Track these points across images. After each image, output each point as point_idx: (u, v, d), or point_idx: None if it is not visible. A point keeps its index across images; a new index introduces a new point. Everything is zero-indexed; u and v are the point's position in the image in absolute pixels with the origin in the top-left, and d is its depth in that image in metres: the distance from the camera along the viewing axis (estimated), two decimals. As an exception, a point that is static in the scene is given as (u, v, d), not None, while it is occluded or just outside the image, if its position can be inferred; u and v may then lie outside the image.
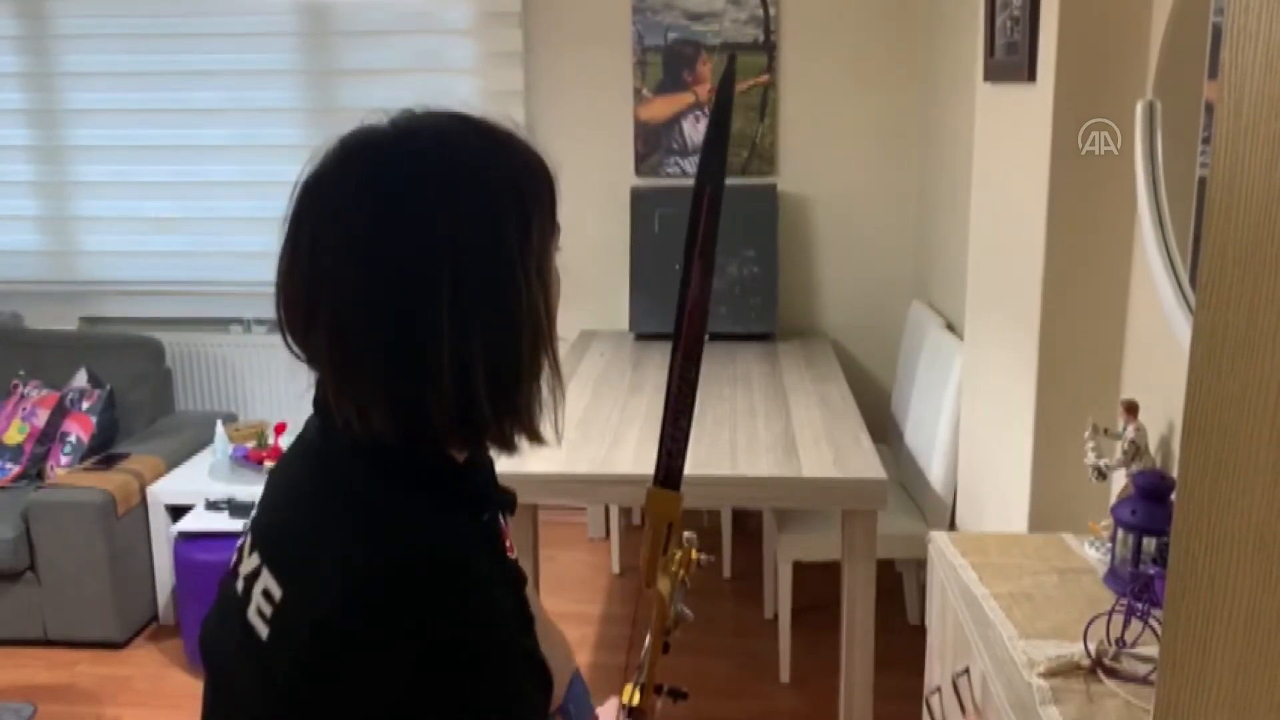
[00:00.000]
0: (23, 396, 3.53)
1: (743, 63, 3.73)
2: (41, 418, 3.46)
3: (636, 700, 1.08)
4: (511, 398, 0.89)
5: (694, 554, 1.09)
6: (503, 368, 0.88)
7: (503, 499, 0.99)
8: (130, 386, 3.64)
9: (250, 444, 3.41)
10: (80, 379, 3.56)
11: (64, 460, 3.41)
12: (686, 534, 1.09)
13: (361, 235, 0.85)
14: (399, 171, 0.86)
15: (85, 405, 3.49)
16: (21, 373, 3.60)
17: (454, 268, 0.84)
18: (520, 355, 0.89)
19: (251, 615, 0.88)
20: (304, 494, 0.92)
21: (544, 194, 0.93)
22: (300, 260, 0.87)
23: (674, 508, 1.02)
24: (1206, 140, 1.67)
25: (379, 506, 0.87)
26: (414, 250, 0.84)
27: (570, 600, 3.44)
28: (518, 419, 0.91)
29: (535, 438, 0.93)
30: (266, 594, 0.87)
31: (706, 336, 1.02)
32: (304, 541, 0.88)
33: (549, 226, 0.93)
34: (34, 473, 3.42)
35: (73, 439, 3.44)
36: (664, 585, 1.03)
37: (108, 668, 3.12)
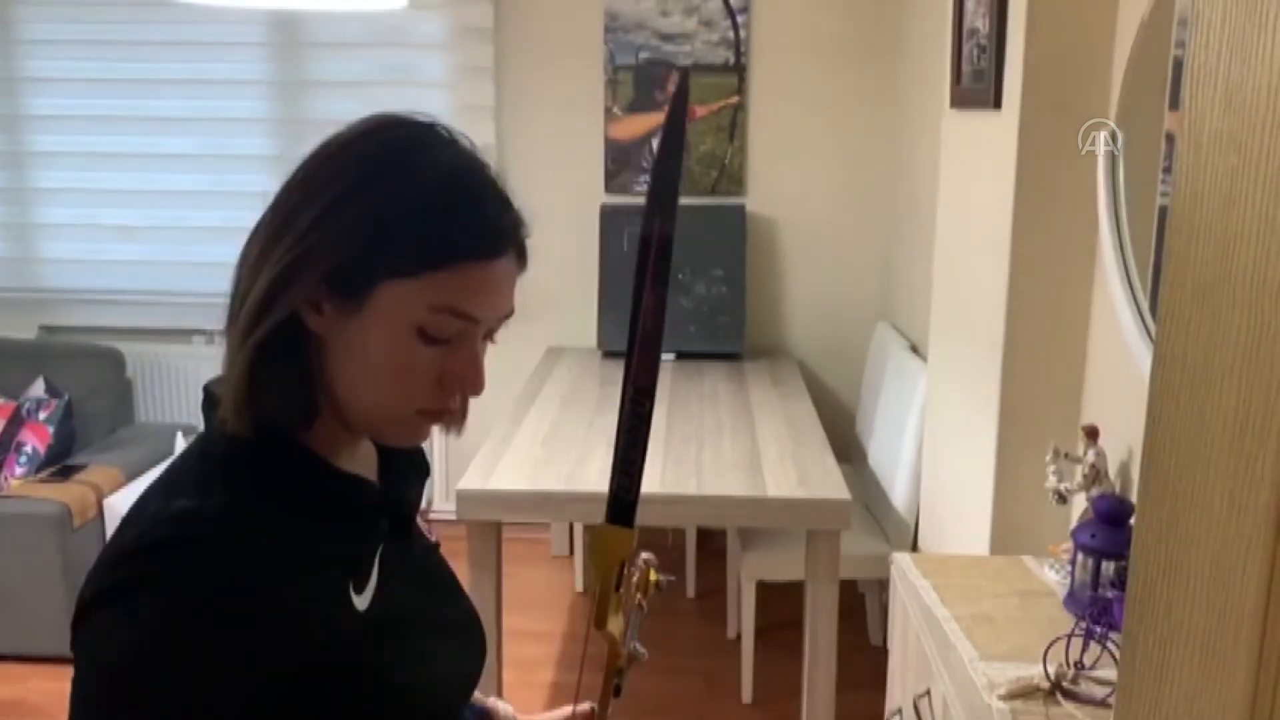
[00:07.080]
0: (-22, 405, 3.47)
1: (713, 84, 3.75)
2: (-3, 427, 3.41)
3: None
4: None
5: (652, 575, 1.00)
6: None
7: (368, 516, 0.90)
8: (89, 396, 3.58)
9: (211, 456, 3.37)
10: (38, 388, 3.50)
11: (19, 471, 3.35)
12: (645, 555, 0.99)
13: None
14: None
15: (42, 415, 3.43)
16: (-23, 381, 3.53)
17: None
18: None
19: None
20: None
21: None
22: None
23: (626, 546, 0.92)
24: (1168, 170, 1.70)
25: (176, 484, 0.83)
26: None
27: (533, 618, 3.42)
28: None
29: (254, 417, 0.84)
30: None
31: (660, 364, 0.94)
32: None
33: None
34: (-12, 483, 3.36)
35: (29, 449, 3.38)
36: (615, 626, 0.94)
37: (61, 683, 3.03)
